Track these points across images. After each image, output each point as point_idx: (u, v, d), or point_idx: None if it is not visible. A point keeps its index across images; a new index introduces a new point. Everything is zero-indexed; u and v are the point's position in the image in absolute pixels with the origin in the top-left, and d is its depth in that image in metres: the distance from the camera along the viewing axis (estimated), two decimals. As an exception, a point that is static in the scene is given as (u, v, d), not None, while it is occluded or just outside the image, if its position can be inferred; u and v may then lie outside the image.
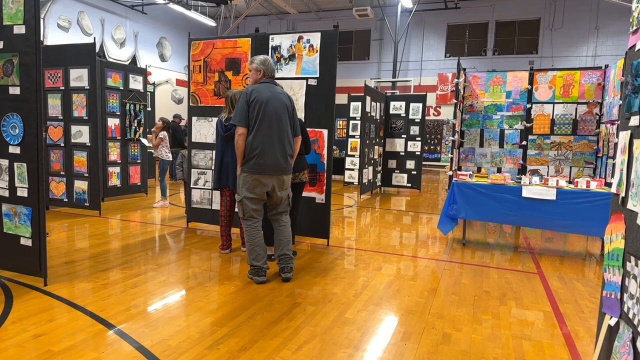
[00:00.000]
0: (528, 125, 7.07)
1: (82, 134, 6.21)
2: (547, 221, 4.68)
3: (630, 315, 1.63)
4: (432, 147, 18.72)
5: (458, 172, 5.31)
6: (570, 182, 4.92)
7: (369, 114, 8.57)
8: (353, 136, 10.04)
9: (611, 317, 1.80)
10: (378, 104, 9.26)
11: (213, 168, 4.76)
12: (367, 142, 8.60)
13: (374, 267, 4.21)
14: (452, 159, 7.13)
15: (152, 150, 7.32)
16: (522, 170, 7.17)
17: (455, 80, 6.75)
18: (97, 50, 7.67)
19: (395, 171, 9.92)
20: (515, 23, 17.50)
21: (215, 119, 5.22)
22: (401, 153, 9.84)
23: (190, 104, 5.46)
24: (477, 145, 7.42)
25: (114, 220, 5.94)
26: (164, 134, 7.13)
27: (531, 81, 7.01)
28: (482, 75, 7.33)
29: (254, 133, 3.55)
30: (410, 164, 9.79)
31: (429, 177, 14.22)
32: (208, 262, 4.21)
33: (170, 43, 18.32)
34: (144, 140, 7.92)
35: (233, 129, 4.02)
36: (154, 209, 6.85)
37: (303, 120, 4.84)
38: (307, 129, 4.81)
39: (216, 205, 5.38)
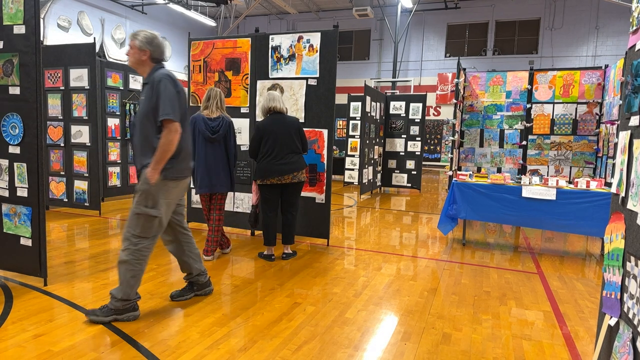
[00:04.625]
0: (528, 125, 7.06)
1: (82, 134, 6.21)
2: (547, 221, 4.68)
3: (630, 315, 1.63)
4: (432, 147, 18.72)
5: (458, 172, 5.31)
6: (570, 182, 4.92)
7: (369, 114, 8.57)
8: (353, 136, 10.04)
9: (611, 317, 1.80)
10: (378, 104, 9.26)
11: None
12: (367, 142, 8.60)
13: (374, 267, 4.21)
14: (452, 159, 7.13)
15: None
16: (522, 170, 7.16)
17: (455, 80, 6.74)
18: (97, 50, 7.67)
19: (395, 171, 9.92)
20: (515, 23, 17.50)
21: None
22: (401, 153, 9.83)
23: (190, 104, 5.45)
24: (477, 145, 7.42)
25: (114, 220, 5.94)
26: None
27: (531, 81, 7.01)
28: (482, 75, 7.33)
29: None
30: (410, 164, 9.79)
31: (429, 177, 14.22)
32: (208, 262, 4.21)
33: (170, 43, 18.31)
34: None
35: (221, 130, 4.03)
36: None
37: (303, 120, 4.85)
38: (307, 129, 4.83)
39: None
